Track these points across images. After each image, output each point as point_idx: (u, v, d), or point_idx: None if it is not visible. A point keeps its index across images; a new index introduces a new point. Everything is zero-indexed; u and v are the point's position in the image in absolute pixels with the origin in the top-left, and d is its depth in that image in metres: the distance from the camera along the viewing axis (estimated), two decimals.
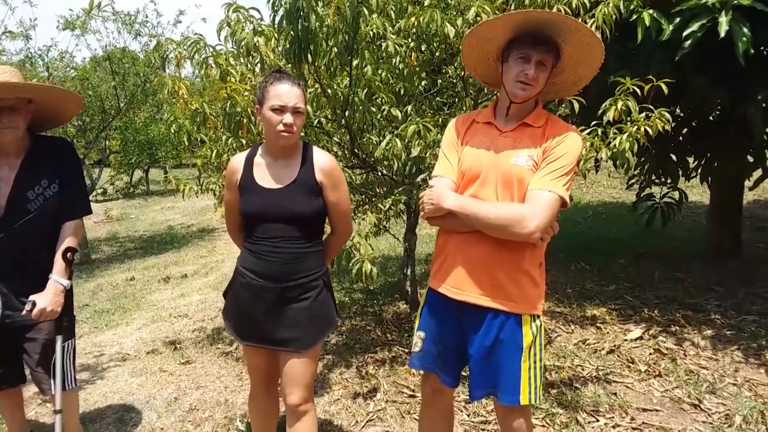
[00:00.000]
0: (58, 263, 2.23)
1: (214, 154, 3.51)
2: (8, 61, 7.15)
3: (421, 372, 2.16)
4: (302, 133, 2.22)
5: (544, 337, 2.31)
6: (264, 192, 2.05)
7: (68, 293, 2.28)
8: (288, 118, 1.95)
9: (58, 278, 2.20)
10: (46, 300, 2.15)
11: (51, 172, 2.27)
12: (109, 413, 3.27)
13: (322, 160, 2.10)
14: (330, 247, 2.29)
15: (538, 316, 1.91)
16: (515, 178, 1.82)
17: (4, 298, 2.24)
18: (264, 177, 2.07)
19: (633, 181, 5.60)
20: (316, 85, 3.13)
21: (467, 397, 3.04)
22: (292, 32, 2.69)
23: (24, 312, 2.13)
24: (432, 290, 2.04)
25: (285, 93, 1.96)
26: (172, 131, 3.36)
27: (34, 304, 2.13)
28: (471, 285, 1.89)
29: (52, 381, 2.29)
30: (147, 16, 8.64)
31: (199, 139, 3.51)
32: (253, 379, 2.33)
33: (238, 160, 2.14)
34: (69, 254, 2.25)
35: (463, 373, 2.11)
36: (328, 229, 2.30)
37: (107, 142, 10.35)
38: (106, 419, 3.20)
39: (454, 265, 1.93)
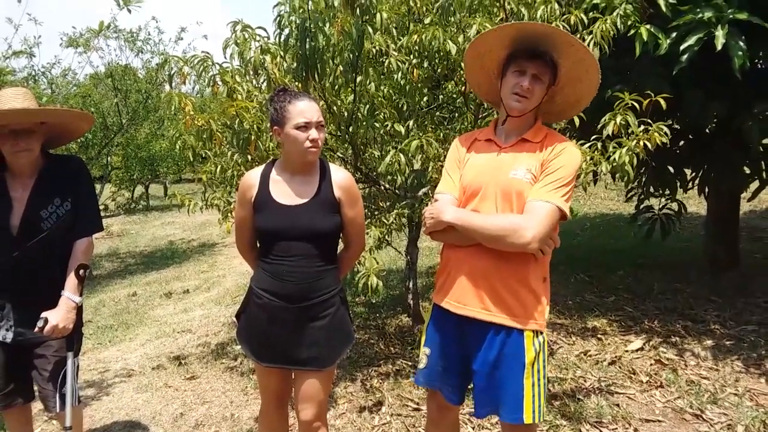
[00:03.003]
0: (71, 280, 2.24)
1: (218, 170, 3.55)
2: (13, 80, 7.21)
3: (427, 389, 2.14)
4: None
5: (547, 353, 2.32)
6: (282, 209, 2.03)
7: (79, 310, 2.30)
8: (314, 133, 1.97)
9: (70, 295, 2.22)
10: (58, 317, 2.16)
11: (64, 190, 2.29)
12: (115, 429, 3.29)
13: (341, 176, 2.12)
14: (344, 263, 2.27)
15: (541, 332, 1.89)
16: (514, 191, 1.83)
17: (16, 316, 2.26)
18: (282, 193, 2.06)
19: (632, 193, 5.65)
20: (321, 102, 3.18)
21: (472, 411, 3.06)
22: (299, 51, 2.74)
23: (36, 329, 2.13)
24: (436, 306, 2.03)
25: (308, 109, 1.98)
26: (178, 147, 3.41)
27: (46, 320, 2.13)
28: (473, 299, 1.88)
29: (57, 397, 2.29)
30: (149, 34, 8.76)
31: (203, 155, 3.56)
32: (266, 398, 2.30)
33: (253, 176, 2.11)
34: (81, 271, 2.27)
35: (468, 387, 2.12)
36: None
37: (109, 158, 10.40)
38: None
39: (456, 280, 1.93)
